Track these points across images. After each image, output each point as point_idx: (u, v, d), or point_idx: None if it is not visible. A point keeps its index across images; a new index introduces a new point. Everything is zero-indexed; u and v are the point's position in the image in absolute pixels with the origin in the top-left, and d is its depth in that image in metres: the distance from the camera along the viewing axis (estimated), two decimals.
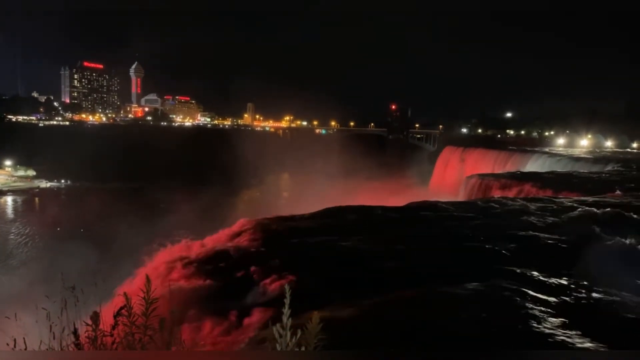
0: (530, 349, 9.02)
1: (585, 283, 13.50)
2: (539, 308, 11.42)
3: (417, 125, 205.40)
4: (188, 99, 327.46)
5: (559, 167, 54.03)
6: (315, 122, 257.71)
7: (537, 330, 10.27)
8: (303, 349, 3.44)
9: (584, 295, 12.59)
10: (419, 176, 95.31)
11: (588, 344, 9.51)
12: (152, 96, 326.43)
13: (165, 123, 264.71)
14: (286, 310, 3.39)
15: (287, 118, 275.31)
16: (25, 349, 5.74)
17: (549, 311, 11.24)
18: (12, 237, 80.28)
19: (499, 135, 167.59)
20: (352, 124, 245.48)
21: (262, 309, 13.10)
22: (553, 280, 13.71)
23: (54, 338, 5.80)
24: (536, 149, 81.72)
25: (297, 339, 3.43)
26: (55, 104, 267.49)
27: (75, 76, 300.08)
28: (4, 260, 64.86)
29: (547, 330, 10.21)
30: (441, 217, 23.31)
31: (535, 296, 12.26)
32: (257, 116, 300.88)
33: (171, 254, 20.63)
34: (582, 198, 28.17)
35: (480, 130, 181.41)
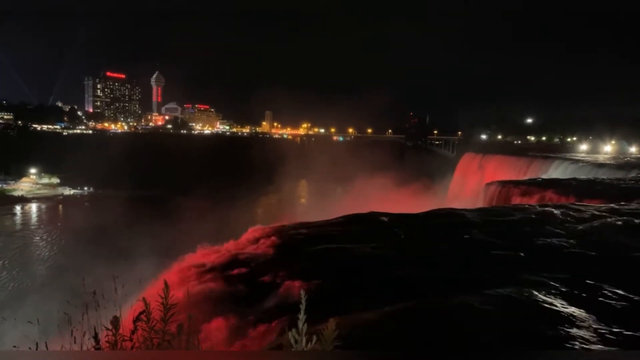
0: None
1: (608, 292, 13.16)
2: (558, 317, 11.17)
3: (435, 132, 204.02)
4: (207, 107, 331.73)
5: (581, 173, 52.87)
6: (332, 129, 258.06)
7: (555, 337, 10.04)
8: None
9: (606, 304, 12.27)
10: (437, 183, 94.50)
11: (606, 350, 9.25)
12: (173, 105, 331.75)
13: (185, 131, 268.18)
14: (302, 316, 3.39)
15: (305, 125, 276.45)
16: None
17: (568, 320, 10.98)
18: (36, 243, 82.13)
19: (519, 142, 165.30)
20: (369, 130, 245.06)
21: (278, 315, 13.10)
22: (574, 289, 13.39)
23: (75, 342, 5.90)
24: (558, 155, 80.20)
25: (312, 345, 3.42)
26: (79, 113, 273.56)
27: (99, 86, 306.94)
28: (29, 266, 66.35)
29: (565, 338, 9.97)
30: (460, 224, 23.03)
31: (555, 305, 11.99)
32: (275, 124, 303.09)
33: (190, 260, 20.82)
34: (606, 205, 27.51)
35: (500, 137, 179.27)
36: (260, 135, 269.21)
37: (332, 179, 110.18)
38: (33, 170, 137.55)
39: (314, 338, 3.43)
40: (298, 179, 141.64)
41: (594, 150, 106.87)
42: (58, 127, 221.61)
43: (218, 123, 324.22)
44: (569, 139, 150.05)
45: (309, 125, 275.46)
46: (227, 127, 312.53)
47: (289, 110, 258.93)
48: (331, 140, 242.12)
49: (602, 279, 14.33)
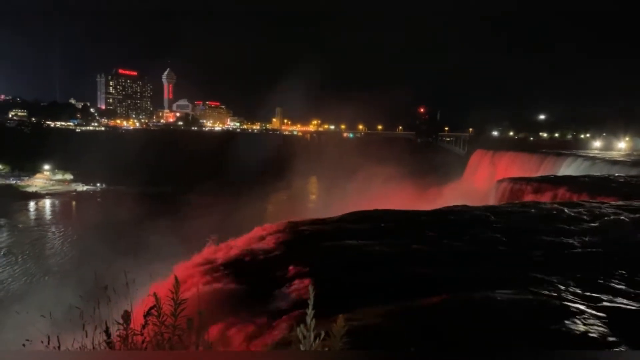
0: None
1: (621, 291, 12.98)
2: (568, 316, 11.05)
3: (446, 128, 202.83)
4: (218, 104, 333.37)
5: (595, 170, 52.22)
6: (342, 126, 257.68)
7: (565, 338, 9.94)
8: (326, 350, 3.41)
9: (618, 303, 12.10)
10: (448, 180, 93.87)
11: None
12: (183, 102, 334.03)
13: (195, 128, 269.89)
14: (310, 311, 3.38)
15: (315, 122, 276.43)
16: (59, 347, 5.91)
17: (578, 319, 10.85)
18: (50, 238, 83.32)
19: (531, 138, 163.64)
20: (379, 127, 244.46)
21: (287, 312, 13.13)
22: (587, 287, 13.24)
23: (86, 336, 5.96)
24: (571, 152, 79.26)
25: (320, 341, 3.41)
26: (92, 110, 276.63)
27: (111, 83, 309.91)
28: (42, 260, 67.33)
29: (574, 338, 9.87)
30: (470, 221, 22.87)
31: (566, 304, 11.87)
32: (286, 120, 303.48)
33: (200, 256, 20.97)
34: (620, 203, 27.15)
35: (511, 133, 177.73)
36: (271, 132, 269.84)
37: (341, 175, 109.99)
38: (47, 167, 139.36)
39: (322, 333, 3.42)
40: (308, 175, 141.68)
41: (607, 147, 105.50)
42: (71, 123, 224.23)
43: (228, 120, 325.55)
44: (582, 136, 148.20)
45: (319, 121, 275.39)
46: (238, 124, 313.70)
47: (299, 107, 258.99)
48: (341, 136, 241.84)
49: (616, 277, 14.15)
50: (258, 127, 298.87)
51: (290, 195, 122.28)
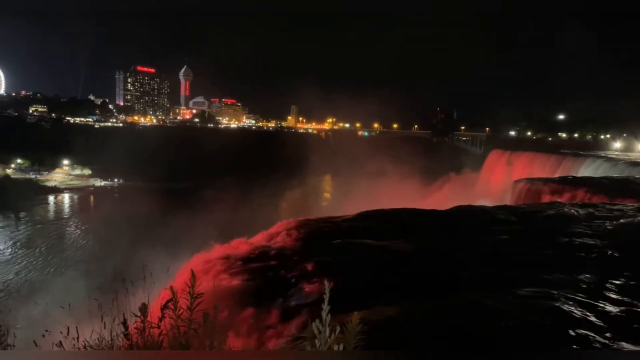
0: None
1: (632, 293, 12.74)
2: (586, 319, 10.89)
3: (462, 128, 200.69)
4: (234, 101, 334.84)
5: (615, 172, 51.22)
6: (357, 124, 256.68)
7: (583, 341, 9.80)
8: (341, 346, 3.42)
9: (629, 306, 11.88)
10: (464, 180, 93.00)
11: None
12: (200, 99, 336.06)
13: (211, 125, 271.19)
14: (325, 307, 3.40)
15: (330, 120, 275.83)
16: (78, 338, 6.02)
17: (596, 323, 10.69)
18: (68, 232, 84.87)
19: (549, 139, 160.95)
20: (395, 126, 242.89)
21: (301, 308, 13.20)
22: (605, 290, 13.02)
23: (104, 327, 6.07)
24: (590, 152, 77.82)
25: (335, 336, 3.43)
26: (110, 106, 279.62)
27: (129, 80, 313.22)
28: (62, 253, 68.62)
29: (593, 342, 9.72)
30: (486, 221, 22.66)
31: (585, 307, 11.69)
32: (301, 118, 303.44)
33: (215, 252, 21.17)
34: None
35: (529, 133, 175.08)
36: (286, 130, 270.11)
37: (356, 173, 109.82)
38: (66, 162, 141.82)
39: (337, 328, 3.44)
40: (323, 173, 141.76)
41: (628, 148, 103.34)
42: (90, 119, 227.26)
43: (244, 117, 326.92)
44: (602, 136, 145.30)
45: (334, 120, 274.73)
46: (253, 122, 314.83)
47: (314, 104, 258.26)
48: (356, 135, 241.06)
49: (630, 279, 13.89)
50: (273, 125, 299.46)
51: (305, 192, 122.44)
